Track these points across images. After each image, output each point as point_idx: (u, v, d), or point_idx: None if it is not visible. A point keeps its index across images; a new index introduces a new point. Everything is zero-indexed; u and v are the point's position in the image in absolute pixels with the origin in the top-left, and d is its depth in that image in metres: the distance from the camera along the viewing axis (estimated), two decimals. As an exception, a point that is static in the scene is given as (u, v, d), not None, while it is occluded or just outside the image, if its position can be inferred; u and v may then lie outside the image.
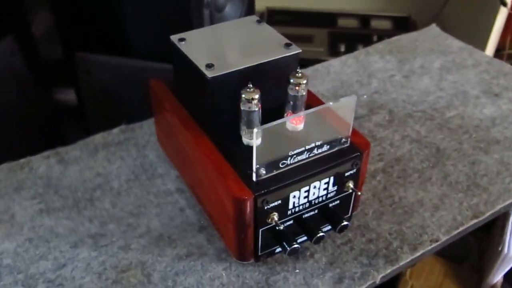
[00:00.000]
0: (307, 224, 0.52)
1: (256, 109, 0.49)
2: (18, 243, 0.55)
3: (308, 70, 0.84)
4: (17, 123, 1.08)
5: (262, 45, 0.55)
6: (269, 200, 0.48)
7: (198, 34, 0.57)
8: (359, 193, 0.53)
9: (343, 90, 0.79)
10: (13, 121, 1.06)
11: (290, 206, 0.50)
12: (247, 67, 0.52)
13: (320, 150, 0.50)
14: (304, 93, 0.51)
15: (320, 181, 0.50)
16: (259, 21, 0.60)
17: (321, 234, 0.51)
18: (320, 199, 0.52)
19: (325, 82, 0.81)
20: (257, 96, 0.49)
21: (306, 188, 0.50)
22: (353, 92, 0.79)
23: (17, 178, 0.63)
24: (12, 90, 1.08)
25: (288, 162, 0.49)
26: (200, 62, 0.51)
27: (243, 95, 0.48)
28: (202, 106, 0.54)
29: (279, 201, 0.48)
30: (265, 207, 0.48)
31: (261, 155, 0.46)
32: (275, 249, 0.53)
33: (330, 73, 0.84)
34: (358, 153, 0.51)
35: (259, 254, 0.52)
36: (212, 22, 0.95)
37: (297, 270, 0.53)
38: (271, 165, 0.48)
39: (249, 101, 0.49)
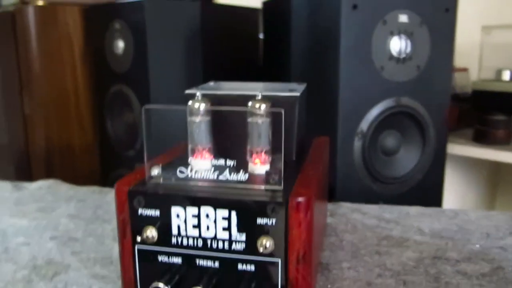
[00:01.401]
0: (198, 275, 0.38)
1: (197, 121, 0.44)
2: (34, 225, 0.61)
3: (434, 210, 0.65)
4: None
5: (273, 88, 0.50)
6: (143, 202, 0.39)
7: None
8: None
9: (449, 234, 0.57)
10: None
11: (174, 230, 0.39)
12: (230, 94, 0.48)
13: (234, 176, 0.39)
14: (260, 122, 0.42)
15: (214, 209, 0.38)
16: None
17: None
18: (221, 245, 0.38)
19: (438, 222, 0.61)
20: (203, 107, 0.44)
21: (195, 211, 0.38)
22: (466, 240, 0.56)
23: (88, 195, 0.72)
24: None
25: (189, 174, 0.40)
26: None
27: (188, 103, 0.44)
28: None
29: (157, 211, 0.39)
30: (139, 210, 0.39)
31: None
32: (161, 300, 0.41)
33: (455, 218, 0.62)
34: (280, 200, 0.37)
35: (139, 292, 0.41)
36: (372, 161, 0.88)
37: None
38: (169, 171, 0.40)
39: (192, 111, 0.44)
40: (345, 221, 0.61)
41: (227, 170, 0.39)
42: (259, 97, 0.43)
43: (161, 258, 0.40)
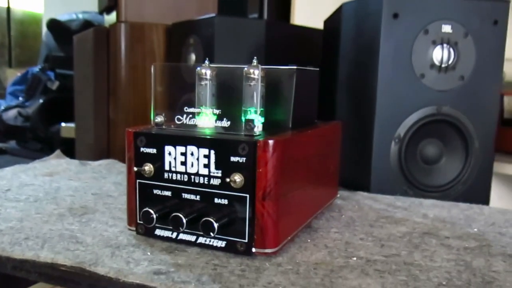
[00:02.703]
0: (183, 209, 0.45)
1: (203, 83, 0.51)
2: (84, 186, 0.72)
3: (449, 204, 0.65)
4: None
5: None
6: (144, 141, 0.47)
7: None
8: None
9: (453, 220, 0.58)
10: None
11: (166, 166, 0.46)
12: (234, 66, 0.54)
13: (220, 123, 0.45)
14: (252, 84, 0.48)
15: (198, 148, 0.44)
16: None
17: (186, 231, 0.43)
18: (202, 180, 0.45)
19: (448, 212, 0.61)
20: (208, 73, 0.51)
21: (182, 149, 0.45)
22: (467, 226, 0.56)
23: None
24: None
25: (184, 121, 0.47)
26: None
27: (197, 69, 0.52)
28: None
29: (154, 150, 0.46)
30: (141, 148, 0.47)
31: (163, 105, 0.48)
32: (154, 228, 0.47)
33: (468, 210, 0.62)
34: (252, 141, 0.42)
35: (138, 221, 0.48)
36: (408, 167, 0.89)
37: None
38: (169, 117, 0.48)
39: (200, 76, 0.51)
40: (354, 204, 0.64)
41: (214, 118, 0.46)
42: (254, 64, 0.49)
43: (156, 191, 0.47)
